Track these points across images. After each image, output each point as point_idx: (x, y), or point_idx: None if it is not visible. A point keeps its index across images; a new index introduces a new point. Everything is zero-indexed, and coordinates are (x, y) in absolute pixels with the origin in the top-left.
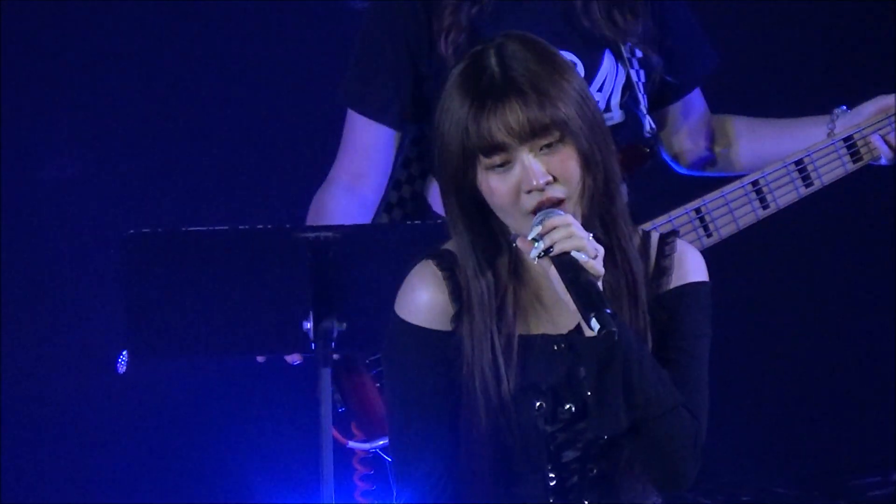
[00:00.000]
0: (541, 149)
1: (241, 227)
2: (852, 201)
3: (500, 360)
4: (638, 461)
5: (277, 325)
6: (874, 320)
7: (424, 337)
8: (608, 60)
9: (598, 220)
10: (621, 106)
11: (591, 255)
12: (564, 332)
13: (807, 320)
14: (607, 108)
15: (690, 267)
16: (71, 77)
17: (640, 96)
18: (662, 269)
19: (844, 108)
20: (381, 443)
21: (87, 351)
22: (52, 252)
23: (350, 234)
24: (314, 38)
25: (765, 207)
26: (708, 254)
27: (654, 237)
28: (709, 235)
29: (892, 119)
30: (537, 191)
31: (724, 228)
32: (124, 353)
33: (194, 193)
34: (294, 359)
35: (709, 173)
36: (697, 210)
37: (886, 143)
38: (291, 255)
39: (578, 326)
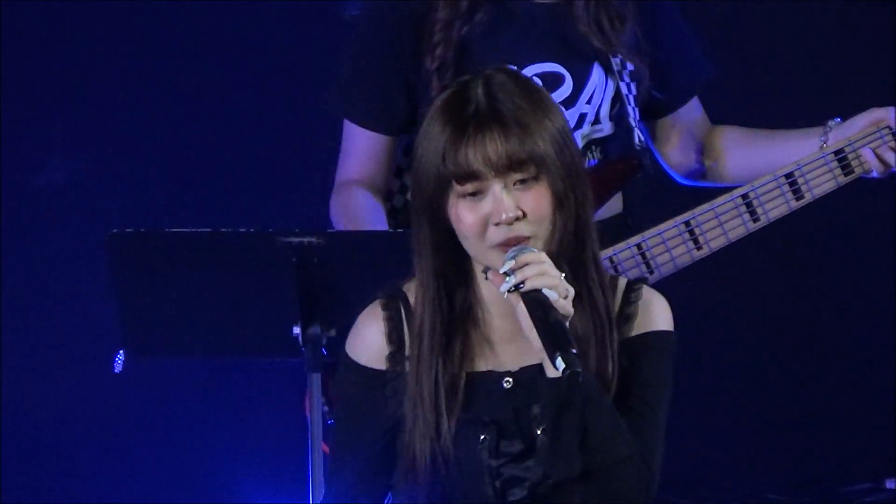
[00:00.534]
0: (515, 183)
1: (224, 229)
2: (848, 203)
3: (442, 397)
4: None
5: (266, 329)
6: (867, 325)
7: (363, 375)
8: (597, 72)
9: (567, 263)
10: (611, 118)
11: (561, 294)
12: (514, 369)
13: (799, 326)
14: (597, 121)
15: (656, 315)
16: (63, 80)
17: (630, 108)
18: (627, 315)
19: (838, 119)
20: None
21: (84, 352)
22: (48, 253)
23: (335, 240)
24: (306, 41)
25: (755, 220)
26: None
27: (622, 283)
28: (699, 248)
29: (884, 133)
30: (505, 225)
31: (714, 241)
32: (121, 353)
33: (190, 196)
34: None
35: (706, 183)
36: (687, 223)
37: (878, 156)
38: (276, 259)
39: (540, 365)
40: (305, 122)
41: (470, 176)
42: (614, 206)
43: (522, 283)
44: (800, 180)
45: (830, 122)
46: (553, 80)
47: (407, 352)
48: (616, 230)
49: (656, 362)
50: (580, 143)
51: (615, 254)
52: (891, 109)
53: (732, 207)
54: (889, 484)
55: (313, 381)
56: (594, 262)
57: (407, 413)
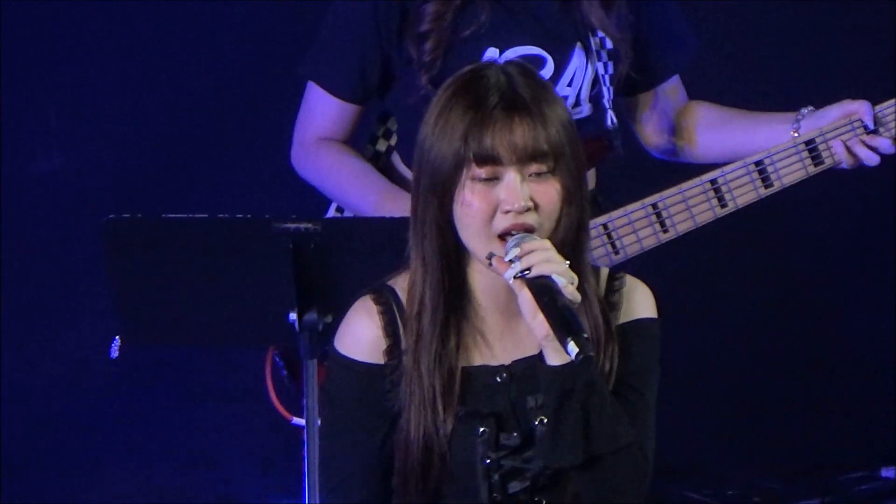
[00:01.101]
0: (530, 175)
1: (220, 215)
2: (846, 196)
3: (438, 391)
4: (585, 496)
5: (262, 316)
6: (864, 316)
7: (357, 369)
8: (578, 55)
9: (564, 256)
10: (590, 100)
11: (568, 280)
12: (507, 362)
13: (797, 315)
14: (577, 103)
15: (639, 303)
16: (60, 68)
17: (604, 89)
18: (612, 304)
19: (811, 108)
20: None
21: (84, 347)
22: (45, 240)
23: (331, 226)
24: (300, 28)
25: (723, 206)
26: (698, 244)
27: (604, 273)
28: (665, 231)
29: (856, 126)
30: (513, 214)
31: (681, 225)
32: (117, 339)
33: (187, 182)
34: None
35: (679, 160)
36: (654, 206)
37: (848, 150)
38: (273, 246)
39: (534, 358)
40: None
41: (491, 160)
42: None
43: (528, 269)
44: (769, 168)
45: (803, 110)
46: (535, 64)
47: (403, 345)
48: None
49: (643, 350)
50: None
51: None
52: (864, 103)
53: (701, 192)
54: (885, 472)
55: (310, 367)
56: (587, 257)
57: (404, 405)
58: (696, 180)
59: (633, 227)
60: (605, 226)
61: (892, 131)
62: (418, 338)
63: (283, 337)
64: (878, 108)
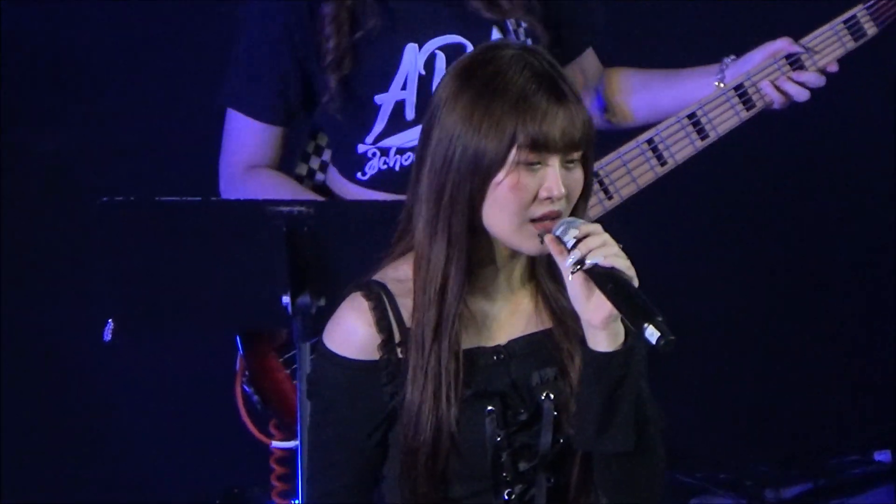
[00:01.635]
0: (566, 163)
1: (213, 199)
2: (844, 184)
3: (453, 374)
4: (611, 480)
5: (256, 299)
6: (857, 299)
7: (353, 368)
8: (497, 37)
9: None
10: None
11: (628, 264)
12: (502, 342)
13: (789, 299)
14: None
15: None
16: (57, 54)
17: None
18: None
19: (733, 57)
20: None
21: (85, 345)
22: (42, 223)
23: (325, 209)
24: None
25: (662, 164)
26: (687, 230)
27: None
28: (609, 198)
29: (780, 64)
30: (550, 201)
31: (624, 189)
32: (110, 322)
33: (181, 166)
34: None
35: (617, 128)
36: (595, 174)
37: (776, 88)
38: (266, 229)
39: (529, 336)
40: None
41: (543, 146)
42: None
43: (585, 256)
44: (703, 119)
45: (726, 59)
46: (456, 51)
47: (397, 339)
48: None
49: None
50: None
51: None
52: (786, 39)
53: (639, 154)
54: (878, 456)
55: (304, 350)
56: None
57: (410, 393)
58: (633, 142)
59: None
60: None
61: (818, 64)
62: (439, 321)
63: (276, 320)
64: (800, 41)
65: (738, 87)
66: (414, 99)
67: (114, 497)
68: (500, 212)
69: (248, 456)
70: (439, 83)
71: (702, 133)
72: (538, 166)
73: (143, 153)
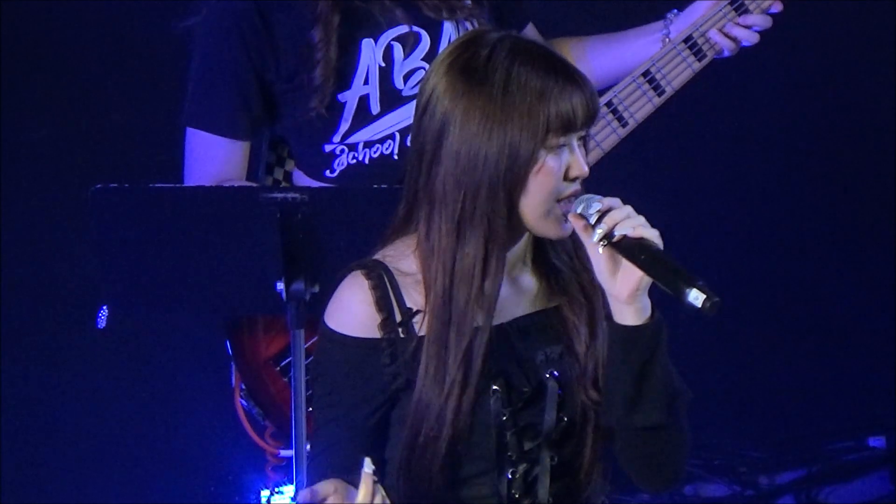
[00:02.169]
0: (581, 139)
1: (207, 185)
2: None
3: (452, 356)
4: (638, 456)
5: (250, 285)
6: (851, 285)
7: (348, 344)
8: (448, 24)
9: None
10: None
11: (654, 234)
12: (505, 321)
13: (784, 284)
14: None
15: None
16: (53, 39)
17: None
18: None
19: (675, 11)
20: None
21: (85, 346)
22: (38, 208)
23: (319, 196)
24: None
25: (623, 125)
26: (683, 222)
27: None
28: None
29: (725, 10)
30: (576, 181)
31: (590, 155)
32: (104, 308)
33: (175, 153)
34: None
35: None
36: None
37: (724, 34)
38: (260, 215)
39: (531, 316)
40: None
41: (572, 126)
42: None
43: (612, 229)
44: (657, 76)
45: (669, 15)
46: (411, 41)
47: (398, 318)
48: None
49: None
50: None
51: None
52: None
53: (600, 117)
54: (872, 441)
55: (297, 337)
56: None
57: (427, 374)
58: None
59: None
60: None
61: (762, 4)
62: (468, 300)
63: (269, 306)
64: None
65: (687, 40)
66: (377, 92)
67: (113, 497)
68: (532, 199)
69: (248, 455)
70: (433, 83)
71: (658, 90)
72: (562, 148)
73: (136, 140)
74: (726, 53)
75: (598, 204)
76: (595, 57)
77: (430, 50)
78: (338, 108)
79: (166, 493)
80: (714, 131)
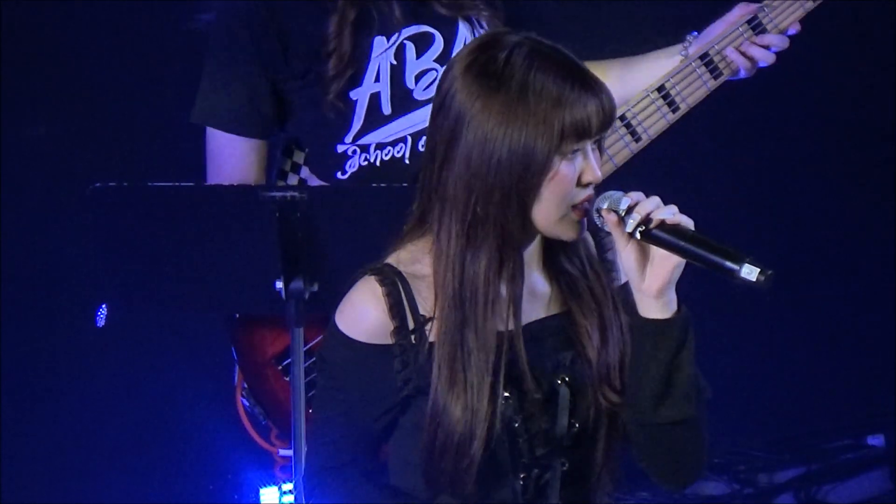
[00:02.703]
0: (596, 142)
1: (206, 184)
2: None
3: (474, 360)
4: (659, 453)
5: (249, 284)
6: (852, 284)
7: (358, 349)
8: (462, 25)
9: None
10: None
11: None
12: (522, 323)
13: (784, 283)
14: None
15: None
16: (51, 37)
17: None
18: (609, 263)
19: (695, 33)
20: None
21: (86, 346)
22: (36, 205)
23: (317, 194)
24: None
25: (637, 140)
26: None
27: (588, 237)
28: None
29: (742, 29)
30: (590, 186)
31: (602, 169)
32: (103, 307)
33: (173, 151)
34: None
35: None
36: None
37: (741, 53)
38: (259, 214)
39: (542, 321)
40: None
41: (587, 132)
42: None
43: (646, 221)
44: (672, 91)
45: (689, 37)
46: (424, 41)
47: (411, 326)
48: None
49: None
50: None
51: None
52: (743, 3)
53: (612, 131)
54: (871, 440)
55: (296, 335)
56: None
57: (441, 379)
58: None
59: None
60: None
61: (779, 25)
62: (484, 304)
63: (269, 305)
64: (759, 5)
65: (703, 56)
66: (388, 90)
67: (113, 496)
68: (546, 205)
69: (247, 453)
70: (449, 83)
71: (672, 106)
72: (576, 154)
73: (135, 138)
74: (742, 74)
75: (627, 199)
76: (614, 79)
77: (443, 51)
78: (349, 106)
79: (166, 491)
80: (713, 132)
